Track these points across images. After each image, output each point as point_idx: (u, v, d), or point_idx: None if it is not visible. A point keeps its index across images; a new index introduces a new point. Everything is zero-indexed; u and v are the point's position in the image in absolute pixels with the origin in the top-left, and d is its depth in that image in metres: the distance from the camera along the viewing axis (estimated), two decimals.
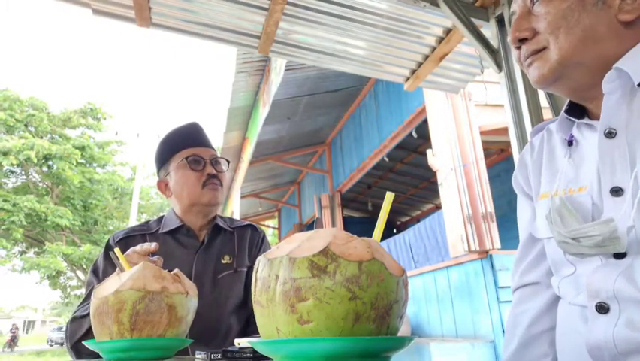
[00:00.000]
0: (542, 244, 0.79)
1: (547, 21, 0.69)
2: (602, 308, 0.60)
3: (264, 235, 1.39)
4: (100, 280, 1.14)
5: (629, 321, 0.57)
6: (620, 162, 0.62)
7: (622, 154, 0.62)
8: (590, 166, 0.68)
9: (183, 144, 1.29)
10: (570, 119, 0.74)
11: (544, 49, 0.70)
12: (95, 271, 1.21)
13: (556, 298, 0.77)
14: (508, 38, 0.75)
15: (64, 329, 1.17)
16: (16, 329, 21.65)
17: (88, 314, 1.01)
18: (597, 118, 0.69)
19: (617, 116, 0.64)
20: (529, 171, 0.83)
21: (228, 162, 1.36)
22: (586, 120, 0.72)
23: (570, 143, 0.73)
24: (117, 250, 0.89)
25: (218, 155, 1.33)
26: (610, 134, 0.64)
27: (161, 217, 1.33)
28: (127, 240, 1.24)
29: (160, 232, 1.26)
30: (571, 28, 0.67)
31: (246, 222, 1.38)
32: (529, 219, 0.82)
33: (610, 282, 0.60)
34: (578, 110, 0.74)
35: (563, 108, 0.75)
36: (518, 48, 0.74)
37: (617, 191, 0.61)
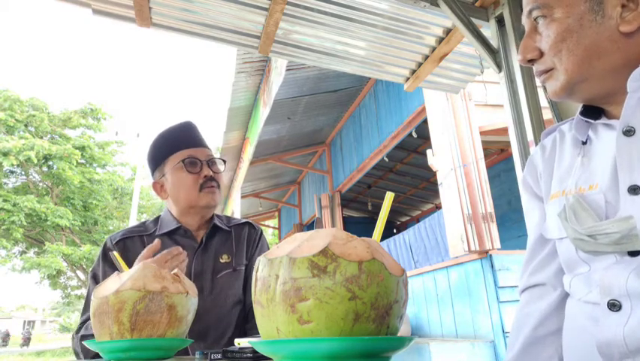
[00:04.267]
0: (551, 245, 0.79)
1: (548, 44, 0.70)
2: (614, 306, 0.60)
3: (262, 232, 1.38)
4: None
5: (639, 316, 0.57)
6: (639, 161, 0.62)
7: None
8: (601, 164, 0.68)
9: (178, 145, 1.26)
10: (587, 121, 0.74)
11: (552, 69, 0.71)
12: (94, 278, 1.20)
13: (564, 300, 0.76)
14: (518, 57, 0.76)
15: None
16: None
17: None
18: (615, 118, 0.69)
19: (637, 115, 0.64)
20: (539, 172, 0.83)
21: (224, 161, 1.34)
22: (603, 120, 0.71)
23: (584, 143, 0.73)
24: (116, 253, 0.89)
25: (215, 154, 1.31)
26: (628, 132, 0.63)
27: (158, 218, 1.31)
28: (125, 241, 1.23)
29: (157, 233, 1.25)
30: (571, 50, 0.67)
31: (243, 220, 1.38)
32: (539, 221, 0.82)
33: (623, 279, 0.60)
34: (594, 112, 0.74)
35: (578, 110, 0.75)
36: (529, 65, 0.76)
37: (635, 190, 0.61)
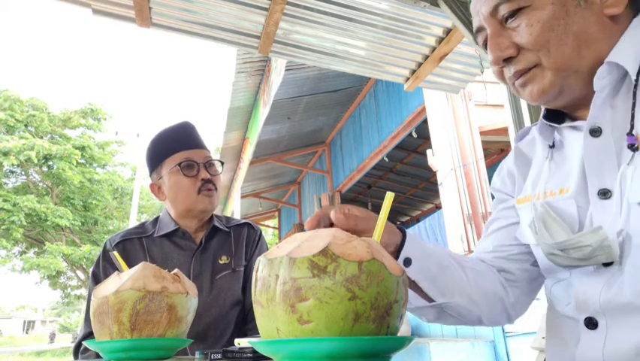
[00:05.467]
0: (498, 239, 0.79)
1: (532, 36, 0.62)
2: (591, 323, 0.59)
3: (261, 233, 1.38)
4: None
5: (617, 337, 0.56)
6: (607, 163, 0.59)
7: (608, 154, 0.59)
8: (571, 167, 0.65)
9: (175, 147, 1.25)
10: (550, 125, 0.70)
11: (535, 66, 0.63)
12: (95, 277, 1.20)
13: (483, 270, 0.76)
14: (489, 59, 0.66)
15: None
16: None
17: None
18: (581, 120, 0.66)
19: (603, 114, 0.60)
20: (512, 174, 0.79)
21: (222, 163, 1.33)
22: (568, 123, 0.68)
23: (552, 146, 0.69)
24: (115, 253, 0.89)
25: (214, 155, 1.30)
26: (595, 132, 0.60)
27: (157, 219, 1.31)
28: (124, 243, 1.23)
29: (156, 235, 1.25)
30: (561, 39, 0.61)
31: (242, 221, 1.37)
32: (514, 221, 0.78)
33: (596, 293, 0.58)
34: (556, 115, 0.71)
35: (542, 114, 0.71)
36: (501, 67, 0.67)
37: (604, 193, 0.58)
